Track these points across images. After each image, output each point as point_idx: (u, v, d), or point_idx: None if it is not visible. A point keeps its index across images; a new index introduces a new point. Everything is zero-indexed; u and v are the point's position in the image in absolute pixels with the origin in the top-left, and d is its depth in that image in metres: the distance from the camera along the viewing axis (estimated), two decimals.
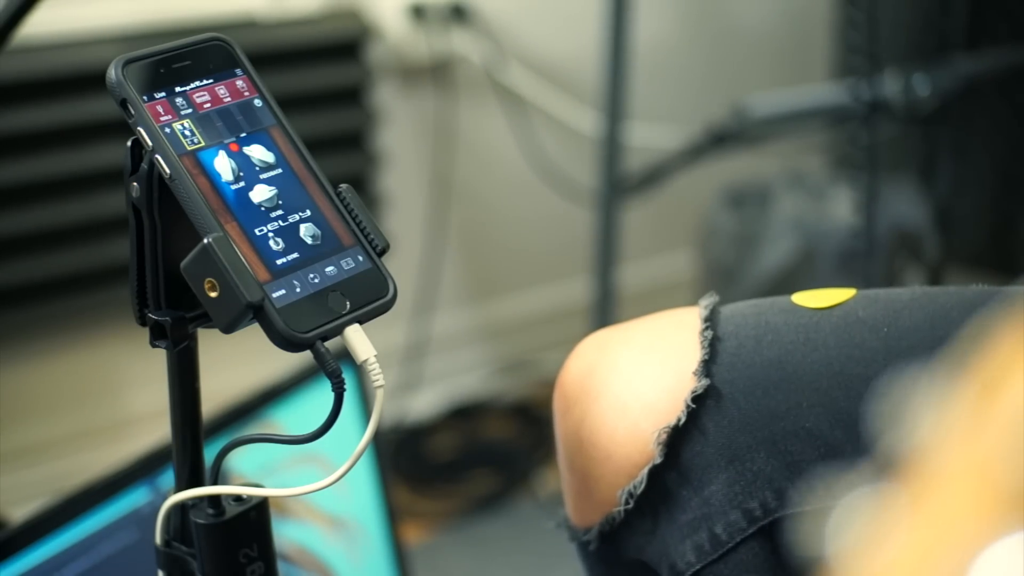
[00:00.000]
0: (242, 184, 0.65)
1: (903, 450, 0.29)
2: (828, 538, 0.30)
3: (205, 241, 0.61)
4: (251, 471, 1.17)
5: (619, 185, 1.92)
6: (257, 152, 0.67)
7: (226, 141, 0.66)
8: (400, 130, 2.09)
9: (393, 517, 1.36)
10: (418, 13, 2.05)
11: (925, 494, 0.28)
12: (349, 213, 0.68)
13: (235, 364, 1.60)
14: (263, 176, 0.66)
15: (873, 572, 0.28)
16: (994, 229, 2.36)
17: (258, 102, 0.69)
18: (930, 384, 0.30)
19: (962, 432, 0.28)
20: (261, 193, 0.65)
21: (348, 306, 0.65)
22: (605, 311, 1.95)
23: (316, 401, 1.26)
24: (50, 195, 1.77)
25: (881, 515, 0.29)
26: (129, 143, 0.65)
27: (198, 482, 0.72)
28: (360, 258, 0.67)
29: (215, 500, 0.71)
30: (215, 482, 0.70)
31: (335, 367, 0.63)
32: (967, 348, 0.30)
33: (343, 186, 0.68)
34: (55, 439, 1.88)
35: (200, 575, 0.72)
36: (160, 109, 0.65)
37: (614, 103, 1.86)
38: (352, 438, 1.04)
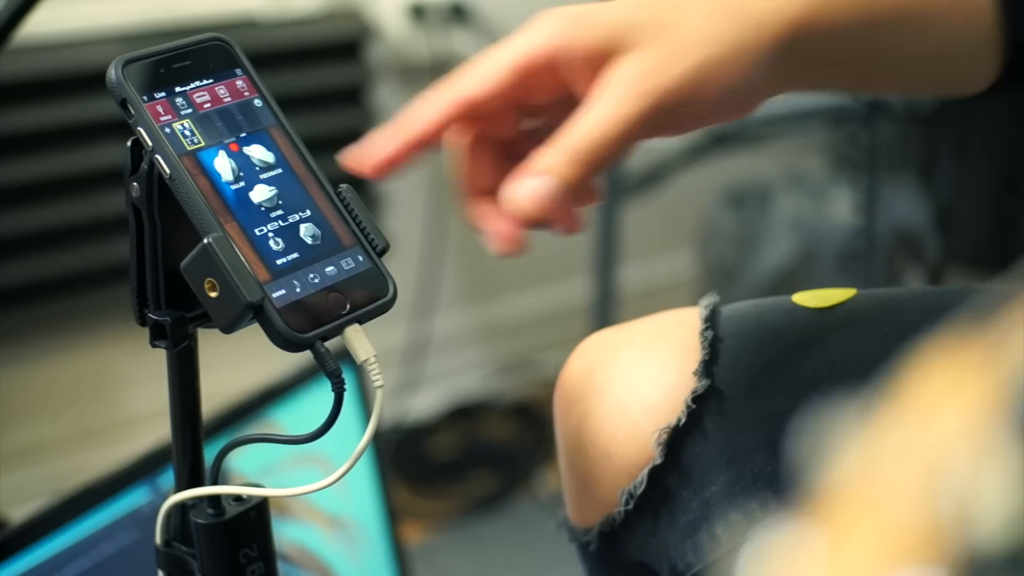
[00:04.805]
0: (242, 184, 0.65)
1: (819, 484, 0.29)
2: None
3: (205, 241, 0.61)
4: (251, 471, 1.17)
5: (619, 185, 1.92)
6: (257, 152, 0.67)
7: (226, 141, 0.66)
8: None
9: (393, 517, 1.36)
10: (418, 13, 2.05)
11: (830, 531, 0.28)
12: (349, 213, 0.67)
13: (235, 364, 1.60)
14: (263, 176, 0.66)
15: None
16: (994, 229, 2.36)
17: (258, 102, 0.69)
18: (857, 414, 0.29)
19: (869, 466, 0.28)
20: (261, 193, 0.65)
21: (348, 306, 0.64)
22: (605, 311, 1.95)
23: (316, 401, 1.26)
24: (50, 195, 1.77)
25: (790, 553, 0.29)
26: (129, 143, 0.65)
27: (198, 482, 0.72)
28: (360, 258, 0.67)
29: (215, 500, 0.71)
30: (215, 482, 0.70)
31: (335, 367, 0.63)
32: (903, 375, 0.29)
33: (343, 186, 0.68)
34: (55, 439, 1.88)
35: (200, 575, 0.72)
36: (160, 109, 0.65)
37: None
38: (352, 438, 1.04)
